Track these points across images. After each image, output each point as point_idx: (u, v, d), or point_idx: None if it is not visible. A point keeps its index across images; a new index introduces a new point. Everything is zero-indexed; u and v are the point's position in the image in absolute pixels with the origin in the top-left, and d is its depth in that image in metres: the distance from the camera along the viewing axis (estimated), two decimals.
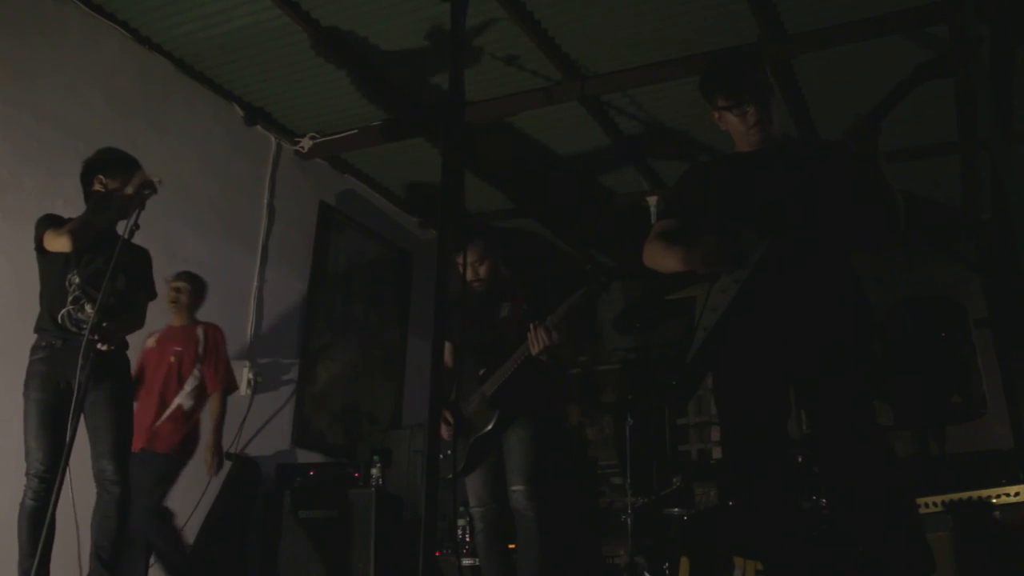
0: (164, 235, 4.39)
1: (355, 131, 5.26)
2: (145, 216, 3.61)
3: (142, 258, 3.57)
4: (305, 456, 5.10)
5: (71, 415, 2.86)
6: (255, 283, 5.06)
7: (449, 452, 3.52)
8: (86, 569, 3.29)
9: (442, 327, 1.62)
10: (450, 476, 3.51)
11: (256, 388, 4.87)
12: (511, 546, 3.56)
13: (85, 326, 3.15)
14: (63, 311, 3.24)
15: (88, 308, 3.23)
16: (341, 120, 5.23)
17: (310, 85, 4.89)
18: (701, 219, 2.61)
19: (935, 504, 3.33)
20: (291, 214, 5.41)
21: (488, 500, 3.55)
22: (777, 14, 4.17)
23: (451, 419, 3.51)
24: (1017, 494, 3.22)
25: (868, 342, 2.48)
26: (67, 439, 2.83)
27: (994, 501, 3.26)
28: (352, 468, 4.60)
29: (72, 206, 3.73)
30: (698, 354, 2.47)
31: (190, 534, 4.25)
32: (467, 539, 4.71)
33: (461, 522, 4.75)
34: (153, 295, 3.66)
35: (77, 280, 3.26)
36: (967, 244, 6.50)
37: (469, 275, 3.69)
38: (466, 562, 4.60)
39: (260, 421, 4.87)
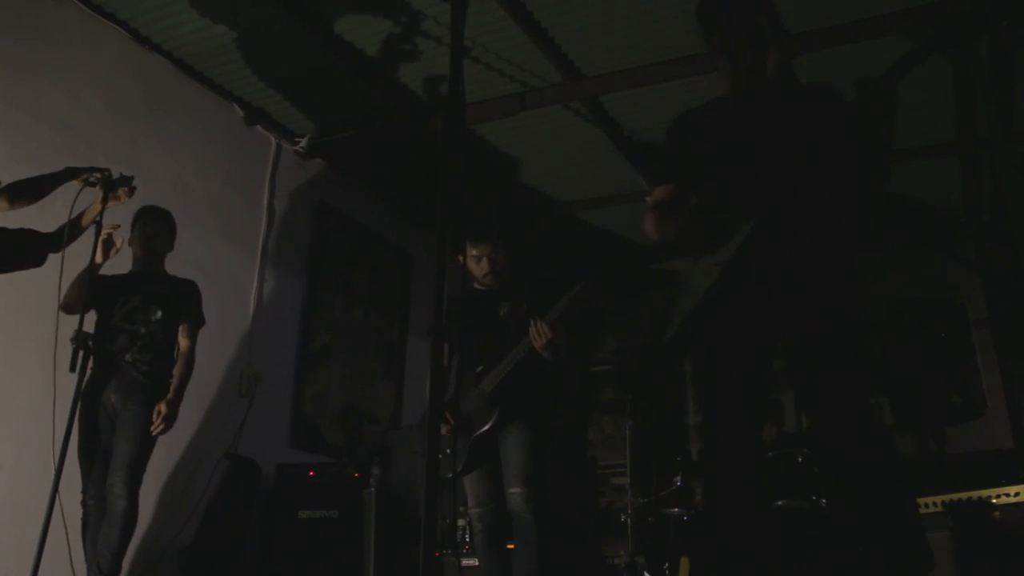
0: None
1: (355, 131, 5.26)
2: None
3: (183, 291, 3.76)
4: (305, 456, 5.08)
5: (66, 427, 2.93)
6: (255, 283, 5.06)
7: (449, 451, 3.51)
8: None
9: (441, 327, 1.62)
10: (450, 475, 3.50)
11: (256, 388, 4.87)
12: (510, 546, 3.55)
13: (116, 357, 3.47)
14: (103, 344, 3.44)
15: (121, 339, 3.50)
16: (341, 120, 5.23)
17: (310, 85, 4.89)
18: (695, 180, 2.50)
19: (935, 504, 3.33)
20: (291, 214, 5.41)
21: (487, 501, 3.53)
22: (777, 14, 4.17)
23: (451, 419, 3.50)
24: (1017, 494, 3.23)
25: (860, 322, 2.40)
26: (60, 450, 2.89)
27: (994, 501, 3.26)
28: (352, 468, 4.59)
29: (71, 208, 3.73)
30: (674, 336, 2.42)
31: (190, 534, 4.24)
32: (467, 539, 4.70)
33: (461, 522, 4.75)
34: (197, 323, 3.76)
35: (115, 319, 3.54)
36: (967, 244, 6.50)
37: (486, 268, 3.67)
38: (466, 562, 4.59)
39: (260, 421, 4.86)
